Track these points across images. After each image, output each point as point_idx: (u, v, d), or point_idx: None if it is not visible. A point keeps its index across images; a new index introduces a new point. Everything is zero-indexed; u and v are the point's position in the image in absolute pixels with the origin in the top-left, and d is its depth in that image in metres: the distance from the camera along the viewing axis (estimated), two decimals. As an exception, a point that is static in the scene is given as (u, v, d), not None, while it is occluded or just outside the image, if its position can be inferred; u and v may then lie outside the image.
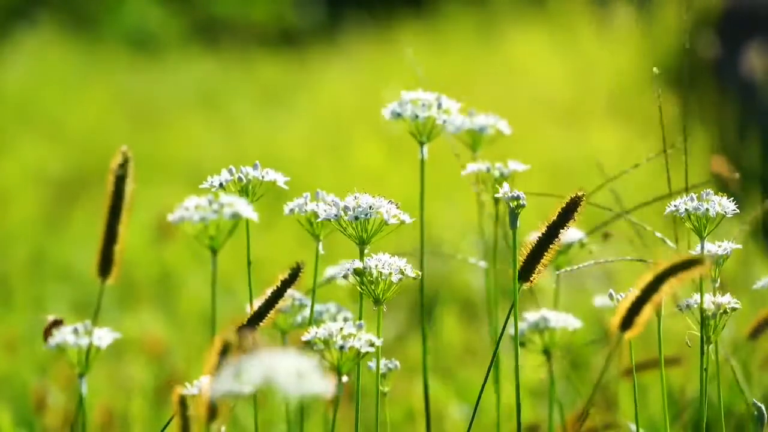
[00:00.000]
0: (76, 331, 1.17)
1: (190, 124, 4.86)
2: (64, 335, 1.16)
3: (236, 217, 1.07)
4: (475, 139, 1.46)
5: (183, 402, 1.01)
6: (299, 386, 0.84)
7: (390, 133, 3.87)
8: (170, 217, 1.08)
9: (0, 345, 2.47)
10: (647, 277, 1.04)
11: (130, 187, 1.08)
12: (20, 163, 4.19)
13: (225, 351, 0.95)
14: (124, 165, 1.08)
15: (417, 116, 1.34)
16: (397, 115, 1.35)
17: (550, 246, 1.14)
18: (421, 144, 1.35)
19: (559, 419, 1.57)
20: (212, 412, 0.95)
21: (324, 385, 0.85)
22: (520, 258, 1.15)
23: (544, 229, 1.14)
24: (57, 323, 1.18)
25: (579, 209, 1.14)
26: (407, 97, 1.35)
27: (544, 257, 1.14)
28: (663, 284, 1.03)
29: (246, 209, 1.08)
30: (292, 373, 0.85)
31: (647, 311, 1.04)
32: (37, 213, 3.65)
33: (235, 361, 0.87)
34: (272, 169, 1.23)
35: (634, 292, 1.04)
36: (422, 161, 1.35)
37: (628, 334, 1.04)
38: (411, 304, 2.78)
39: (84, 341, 1.16)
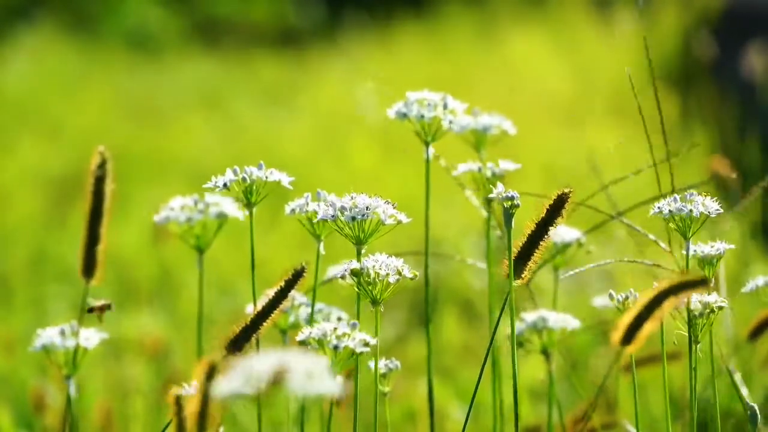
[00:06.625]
0: (62, 333, 1.16)
1: (190, 124, 4.86)
2: (51, 336, 1.16)
3: (222, 216, 1.07)
4: (479, 139, 1.45)
5: (179, 403, 1.00)
6: (310, 386, 0.84)
7: (382, 131, 3.87)
8: (156, 218, 1.07)
9: None
10: (649, 295, 1.05)
11: (110, 187, 1.07)
12: (20, 163, 4.19)
13: (210, 376, 0.94)
14: (102, 166, 1.07)
15: (423, 116, 1.33)
16: (403, 115, 1.34)
17: (540, 243, 1.15)
18: (427, 144, 1.35)
19: (558, 420, 1.57)
20: (202, 422, 0.95)
21: (334, 386, 0.85)
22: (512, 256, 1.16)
23: (533, 227, 1.15)
24: (105, 307, 1.16)
25: (567, 205, 1.14)
26: (413, 97, 1.35)
27: (535, 254, 1.15)
28: (664, 302, 1.05)
29: (231, 208, 1.07)
30: (304, 373, 0.84)
31: (648, 327, 1.05)
32: (37, 213, 3.65)
33: (246, 360, 0.86)
34: (272, 168, 1.23)
35: (635, 308, 1.05)
36: (427, 161, 1.35)
37: (629, 349, 1.05)
38: (411, 305, 2.78)
39: (71, 343, 1.15)
